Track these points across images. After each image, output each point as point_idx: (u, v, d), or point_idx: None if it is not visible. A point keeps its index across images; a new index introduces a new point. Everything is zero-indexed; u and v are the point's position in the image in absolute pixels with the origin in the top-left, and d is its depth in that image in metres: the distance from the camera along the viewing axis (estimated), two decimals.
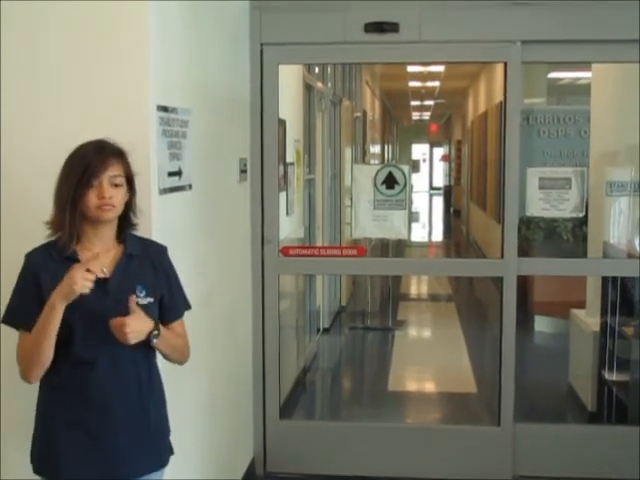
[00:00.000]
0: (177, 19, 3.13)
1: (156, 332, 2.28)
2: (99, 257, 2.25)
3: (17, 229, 2.63)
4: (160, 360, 2.49)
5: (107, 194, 2.25)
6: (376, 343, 8.07)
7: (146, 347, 2.35)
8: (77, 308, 2.21)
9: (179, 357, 2.49)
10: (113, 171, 2.28)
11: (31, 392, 2.38)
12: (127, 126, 2.72)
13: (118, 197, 2.29)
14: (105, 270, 2.28)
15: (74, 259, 2.26)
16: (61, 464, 2.33)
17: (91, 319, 2.25)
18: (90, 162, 2.25)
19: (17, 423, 2.44)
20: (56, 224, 2.29)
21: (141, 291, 2.33)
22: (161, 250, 2.49)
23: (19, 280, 2.32)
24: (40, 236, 2.35)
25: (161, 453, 2.48)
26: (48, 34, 2.81)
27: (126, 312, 2.24)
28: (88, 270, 2.16)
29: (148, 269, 2.40)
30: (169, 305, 2.44)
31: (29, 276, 2.29)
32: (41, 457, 2.38)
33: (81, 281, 2.14)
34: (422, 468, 4.41)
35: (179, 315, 2.49)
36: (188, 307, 2.56)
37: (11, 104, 2.81)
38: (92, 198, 2.25)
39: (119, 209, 2.32)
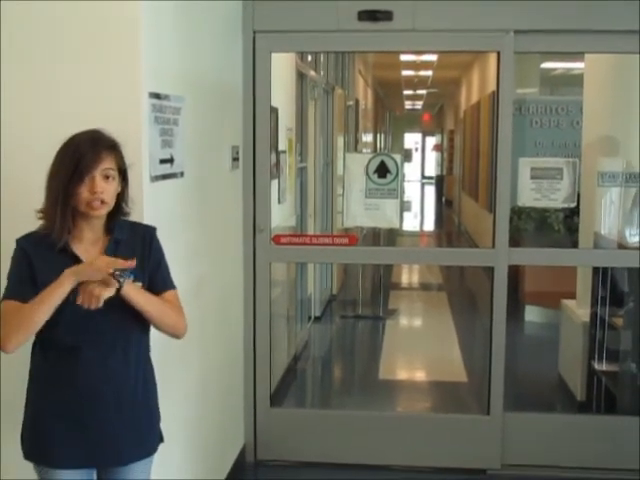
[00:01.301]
0: (169, 5, 3.12)
1: (129, 277, 2.23)
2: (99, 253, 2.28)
3: (15, 220, 2.61)
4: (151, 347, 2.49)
5: (99, 188, 2.25)
6: (367, 332, 8.09)
7: (138, 331, 2.37)
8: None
9: (171, 324, 2.42)
10: (105, 164, 2.27)
11: None
12: (119, 113, 2.72)
13: (110, 191, 2.29)
14: None
15: (67, 250, 2.28)
16: (50, 450, 2.34)
17: (78, 306, 2.22)
18: (83, 155, 2.24)
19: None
20: (47, 216, 2.28)
21: (129, 276, 2.32)
22: (150, 230, 2.48)
23: (12, 265, 2.31)
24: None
25: (150, 440, 2.49)
26: (40, 22, 2.79)
27: (116, 298, 2.23)
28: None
29: (137, 251, 2.38)
30: (155, 278, 2.41)
31: (22, 260, 2.29)
32: (31, 443, 2.38)
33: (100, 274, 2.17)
34: (412, 456, 4.43)
35: (167, 285, 2.45)
36: (173, 287, 2.52)
37: (6, 92, 2.80)
38: (84, 192, 2.24)
39: (110, 205, 2.32)
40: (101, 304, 2.19)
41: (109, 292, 2.19)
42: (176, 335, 2.47)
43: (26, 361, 2.40)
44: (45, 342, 2.30)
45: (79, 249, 2.31)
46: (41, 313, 2.19)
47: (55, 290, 2.18)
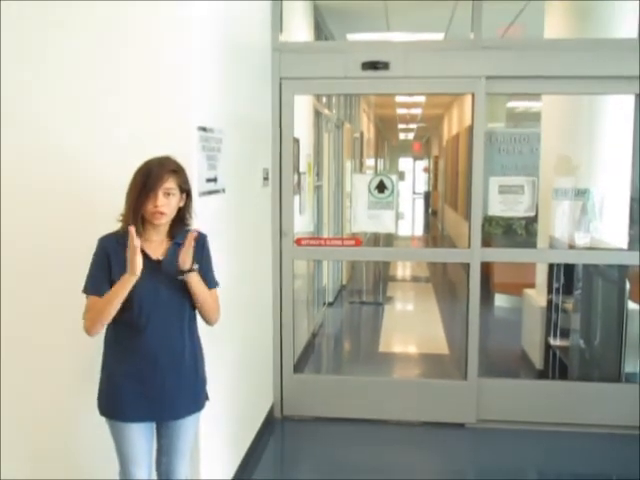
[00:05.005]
0: (213, 56, 3.12)
1: (196, 266, 2.32)
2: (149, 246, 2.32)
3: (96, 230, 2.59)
4: (201, 328, 2.49)
5: (159, 203, 2.28)
6: (370, 314, 8.05)
7: (190, 312, 2.39)
8: (137, 283, 2.24)
9: (209, 311, 2.43)
10: (167, 184, 2.29)
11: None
12: (174, 143, 2.72)
13: (170, 205, 2.31)
14: (160, 257, 2.34)
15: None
16: (120, 406, 2.36)
17: (147, 291, 2.27)
18: (149, 176, 2.27)
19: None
20: (124, 220, 2.31)
21: (197, 267, 2.36)
22: (202, 237, 2.49)
23: (94, 257, 2.34)
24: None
25: (199, 399, 2.49)
26: (116, 70, 2.80)
27: (175, 285, 2.28)
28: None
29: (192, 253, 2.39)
30: (205, 277, 2.42)
31: (102, 254, 2.32)
32: (105, 401, 2.40)
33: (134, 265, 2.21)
34: (405, 413, 4.41)
35: (211, 284, 2.47)
36: (216, 284, 2.54)
37: (79, 124, 2.81)
38: (149, 205, 2.28)
39: (170, 215, 2.34)
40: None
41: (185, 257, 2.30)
42: (208, 320, 2.46)
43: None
44: (118, 320, 2.31)
45: (147, 247, 2.33)
46: (112, 308, 2.25)
47: (120, 291, 2.24)
